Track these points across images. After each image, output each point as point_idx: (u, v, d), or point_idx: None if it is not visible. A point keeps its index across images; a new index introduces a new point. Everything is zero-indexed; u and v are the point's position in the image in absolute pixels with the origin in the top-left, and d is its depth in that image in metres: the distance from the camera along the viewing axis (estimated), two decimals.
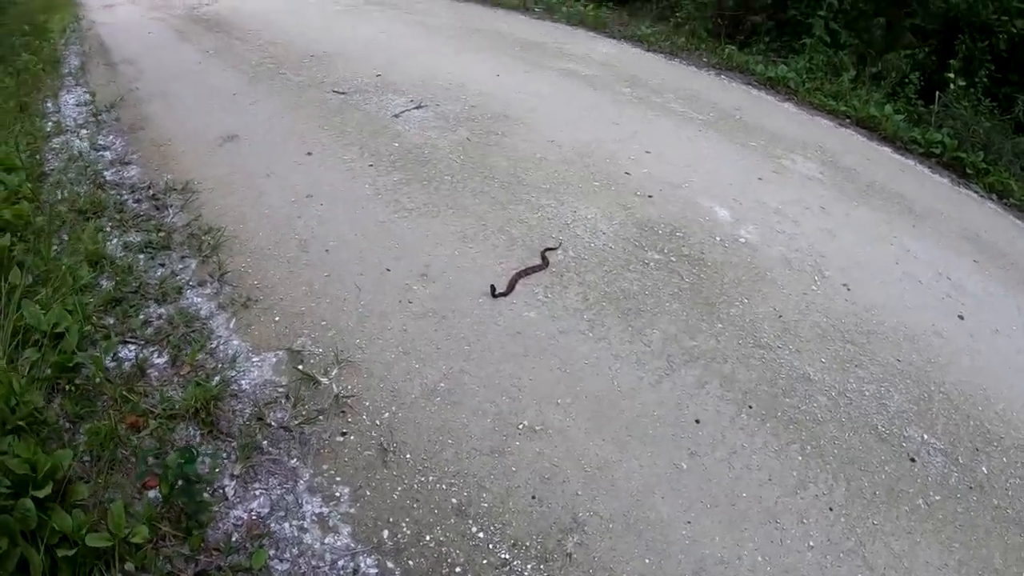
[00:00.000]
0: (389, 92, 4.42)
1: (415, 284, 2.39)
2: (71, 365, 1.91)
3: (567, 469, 1.69)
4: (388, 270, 2.48)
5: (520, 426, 1.81)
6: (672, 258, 2.65)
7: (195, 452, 1.52)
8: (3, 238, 2.45)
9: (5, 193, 2.82)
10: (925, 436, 1.99)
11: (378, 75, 4.79)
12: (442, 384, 1.94)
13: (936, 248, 3.17)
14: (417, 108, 4.10)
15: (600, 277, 2.49)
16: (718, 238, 2.83)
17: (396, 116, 3.99)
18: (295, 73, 4.98)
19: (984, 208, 3.88)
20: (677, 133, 3.93)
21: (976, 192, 4.07)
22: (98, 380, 1.88)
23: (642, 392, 1.97)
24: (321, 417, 1.85)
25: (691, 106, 4.43)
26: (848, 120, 4.76)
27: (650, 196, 3.12)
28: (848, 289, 2.63)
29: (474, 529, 1.53)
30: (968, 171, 4.19)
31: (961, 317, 2.63)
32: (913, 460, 1.88)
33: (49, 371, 1.85)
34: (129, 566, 1.39)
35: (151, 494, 1.57)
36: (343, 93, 4.43)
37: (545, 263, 2.51)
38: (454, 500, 1.60)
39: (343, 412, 1.86)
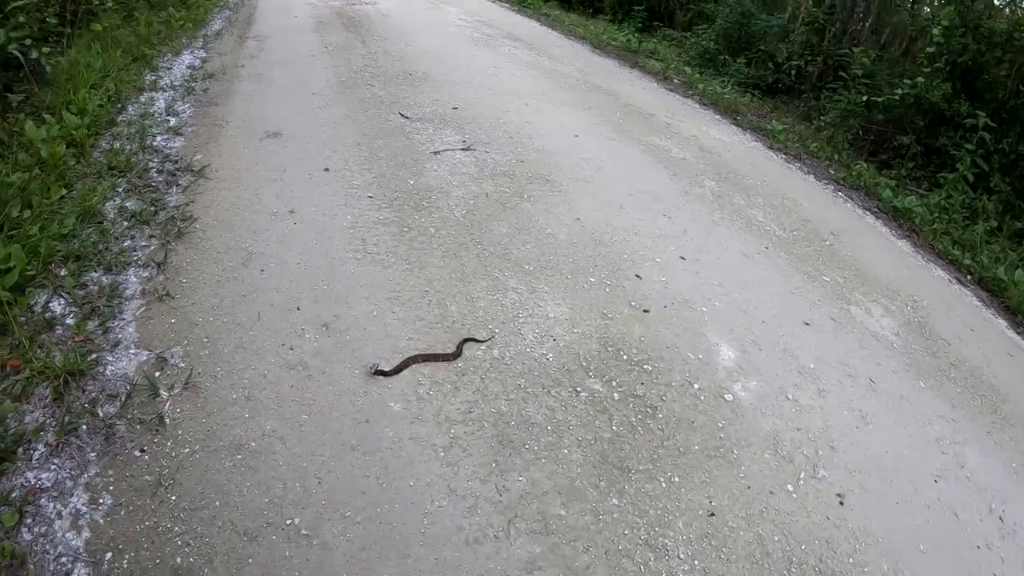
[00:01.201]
0: (450, 127, 4.80)
1: (310, 333, 2.59)
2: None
3: None
4: (298, 309, 2.71)
5: (287, 524, 1.85)
6: (615, 395, 2.44)
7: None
8: (24, 173, 3.11)
9: (57, 132, 3.56)
10: None
11: (455, 108, 5.22)
12: (253, 443, 2.09)
13: (1009, 474, 2.58)
14: (463, 150, 4.41)
15: (507, 392, 2.39)
16: (697, 386, 2.57)
17: (436, 153, 4.33)
18: (382, 87, 5.59)
19: None
20: (735, 245, 3.69)
21: None
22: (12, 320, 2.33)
23: (450, 548, 1.85)
24: (139, 427, 2.11)
25: (775, 217, 4.18)
26: (968, 277, 4.25)
27: (646, 311, 2.97)
28: (841, 503, 2.22)
29: None
30: None
31: None
32: None
33: None
34: None
35: None
36: (407, 118, 4.90)
37: (457, 354, 2.52)
38: (179, 559, 1.74)
39: (157, 431, 2.10)
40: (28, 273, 2.63)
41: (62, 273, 2.74)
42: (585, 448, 2.22)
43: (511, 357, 2.59)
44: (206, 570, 1.72)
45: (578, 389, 2.47)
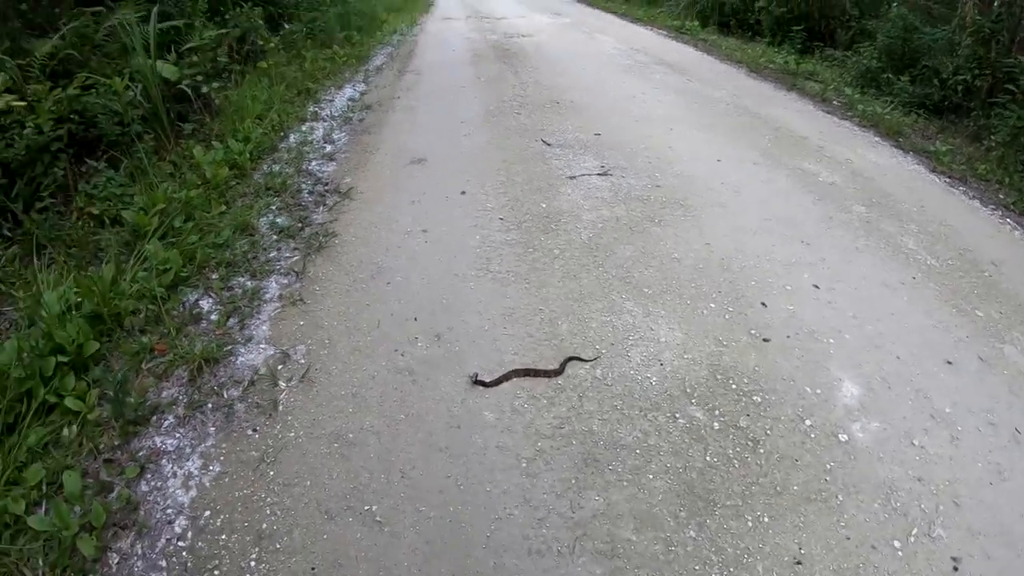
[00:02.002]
0: (590, 153, 4.98)
1: (422, 341, 2.83)
2: (154, 295, 2.98)
3: None
4: (415, 319, 2.98)
5: (365, 509, 2.04)
6: (715, 424, 2.40)
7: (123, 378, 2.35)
8: (194, 190, 3.82)
9: (223, 156, 4.31)
10: None
11: (597, 135, 5.42)
12: (351, 435, 2.33)
13: None
14: (600, 175, 4.55)
15: (602, 411, 2.45)
16: (808, 423, 2.42)
17: (572, 178, 4.51)
18: (528, 116, 5.98)
19: None
20: (877, 274, 3.45)
21: None
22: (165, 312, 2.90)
23: (511, 555, 1.90)
24: (255, 410, 2.46)
25: (928, 245, 3.82)
26: None
27: (766, 340, 2.86)
28: (955, 569, 1.92)
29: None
30: None
31: None
32: None
33: (145, 294, 2.96)
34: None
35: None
36: (548, 144, 5.18)
37: (559, 371, 2.60)
38: (264, 525, 1.99)
39: (270, 415, 2.43)
40: (183, 274, 3.23)
41: (213, 276, 3.31)
42: (672, 476, 2.19)
43: (613, 378, 2.62)
44: (285, 538, 1.96)
45: (676, 415, 2.44)
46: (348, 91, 6.85)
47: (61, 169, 3.74)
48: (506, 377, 2.57)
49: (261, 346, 2.83)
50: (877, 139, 5.88)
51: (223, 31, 5.61)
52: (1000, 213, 4.52)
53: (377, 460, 2.23)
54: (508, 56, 8.72)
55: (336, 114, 5.98)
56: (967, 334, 3.04)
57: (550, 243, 3.63)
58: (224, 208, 3.89)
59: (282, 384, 2.60)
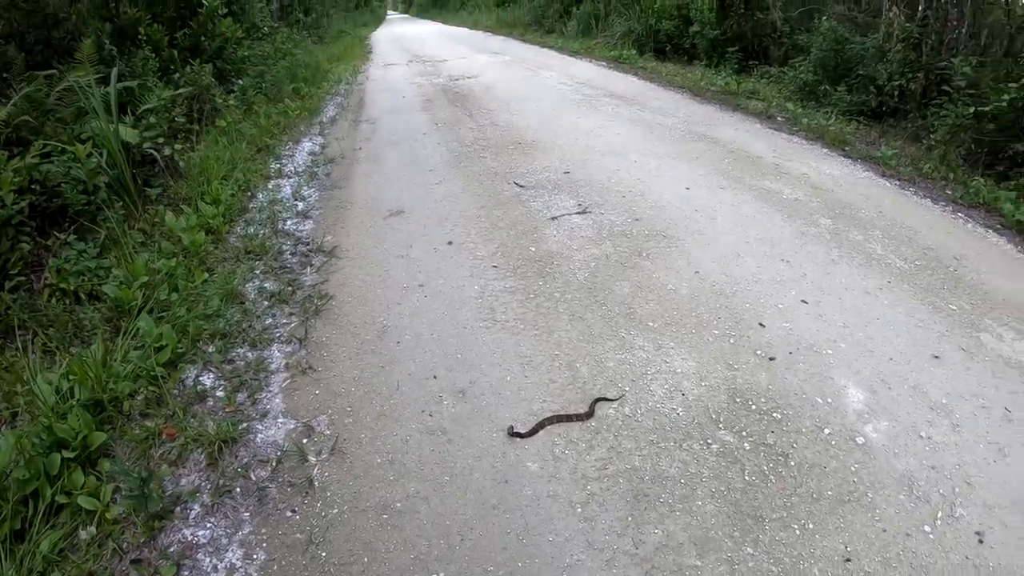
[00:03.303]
0: (564, 192, 5.12)
1: (448, 399, 2.84)
2: (152, 375, 2.87)
3: None
4: (435, 377, 2.98)
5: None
6: (746, 445, 2.53)
7: (145, 475, 2.26)
8: (172, 260, 3.73)
9: (195, 221, 4.23)
10: None
11: (566, 172, 5.59)
12: (398, 503, 2.30)
13: None
14: (579, 214, 4.69)
15: (640, 447, 2.52)
16: (827, 431, 2.60)
17: (553, 219, 4.63)
18: (494, 158, 6.11)
19: None
20: (856, 282, 3.74)
21: None
22: (167, 392, 2.79)
23: None
24: (289, 489, 2.40)
25: (896, 249, 4.18)
26: None
27: (772, 359, 3.03)
28: (980, 542, 2.14)
29: None
30: None
31: None
32: None
33: (140, 374, 2.84)
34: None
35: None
36: (522, 186, 5.30)
37: (590, 414, 2.67)
38: None
39: (307, 493, 2.37)
40: (178, 350, 3.13)
41: (209, 350, 3.22)
42: (718, 499, 2.29)
43: (642, 414, 2.71)
44: None
45: (709, 441, 2.56)
46: (307, 145, 6.82)
47: (27, 244, 3.60)
48: (540, 426, 2.62)
49: (279, 420, 2.77)
50: (826, 150, 6.35)
51: (178, 91, 5.52)
52: (951, 208, 5.01)
53: (432, 526, 2.22)
54: (459, 99, 8.89)
55: (300, 169, 5.95)
56: (946, 328, 3.33)
57: (549, 287, 3.71)
58: (207, 276, 3.80)
59: (312, 459, 2.55)
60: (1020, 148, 5.38)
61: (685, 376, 2.94)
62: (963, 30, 6.81)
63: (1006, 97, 5.49)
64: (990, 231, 4.64)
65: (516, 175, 5.60)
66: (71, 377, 2.78)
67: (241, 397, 2.92)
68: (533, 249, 4.19)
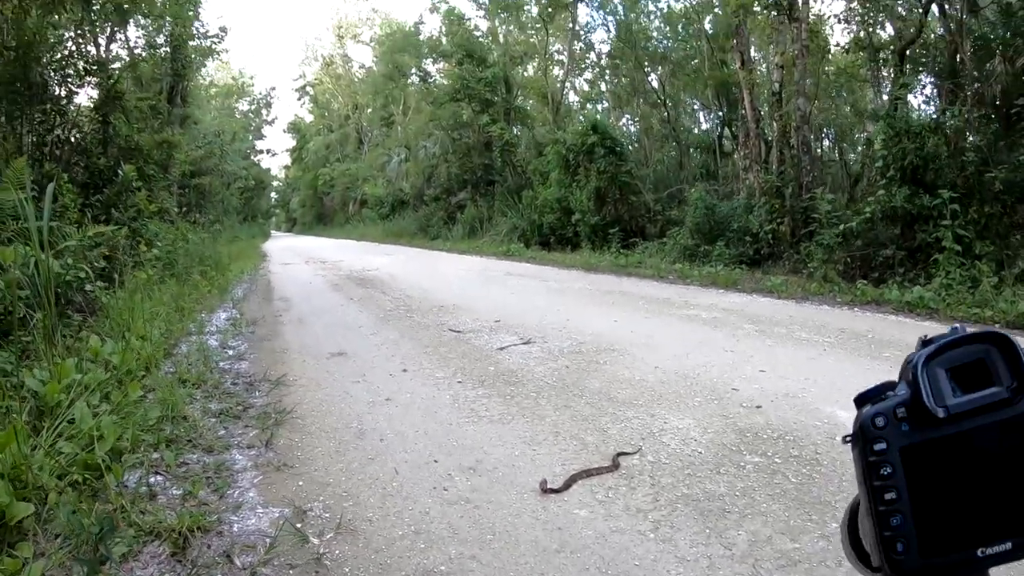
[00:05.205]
0: (502, 332, 5.17)
1: (459, 475, 2.51)
2: (93, 464, 2.30)
3: None
4: (436, 461, 2.66)
5: None
6: (776, 460, 2.59)
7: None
8: (103, 372, 3.20)
9: (123, 347, 3.72)
10: None
11: (497, 321, 5.68)
12: (442, 567, 1.89)
13: None
14: (524, 344, 4.71)
15: (680, 480, 2.45)
16: (839, 438, 2.68)
17: (501, 349, 4.60)
18: (421, 316, 6.11)
19: None
20: (798, 354, 4.19)
21: None
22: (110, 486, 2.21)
23: None
24: (291, 571, 1.90)
25: (817, 333, 4.78)
26: (998, 324, 5.01)
27: (758, 407, 3.20)
28: None
29: None
30: None
31: None
32: None
33: (74, 466, 2.25)
34: None
35: None
36: (458, 332, 5.28)
37: (616, 466, 2.54)
38: None
39: (317, 572, 1.89)
40: (120, 446, 2.57)
41: (155, 455, 2.68)
42: (780, 498, 2.30)
43: (666, 458, 2.66)
44: None
45: (741, 464, 2.59)
46: (222, 314, 6.44)
47: None
48: (572, 480, 2.43)
49: (259, 510, 2.29)
50: (722, 290, 7.27)
51: (101, 231, 5.18)
52: (847, 307, 6.01)
53: None
54: (368, 283, 9.01)
55: (223, 328, 5.55)
56: (889, 366, 3.64)
57: (521, 391, 3.59)
58: (141, 393, 3.26)
59: (315, 540, 2.08)
60: (888, 252, 6.46)
61: (690, 429, 2.95)
62: (816, 173, 8.32)
63: (867, 210, 6.84)
64: (887, 315, 5.52)
65: (448, 325, 5.60)
66: None
67: (204, 493, 2.41)
68: (492, 368, 4.09)
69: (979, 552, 0.35)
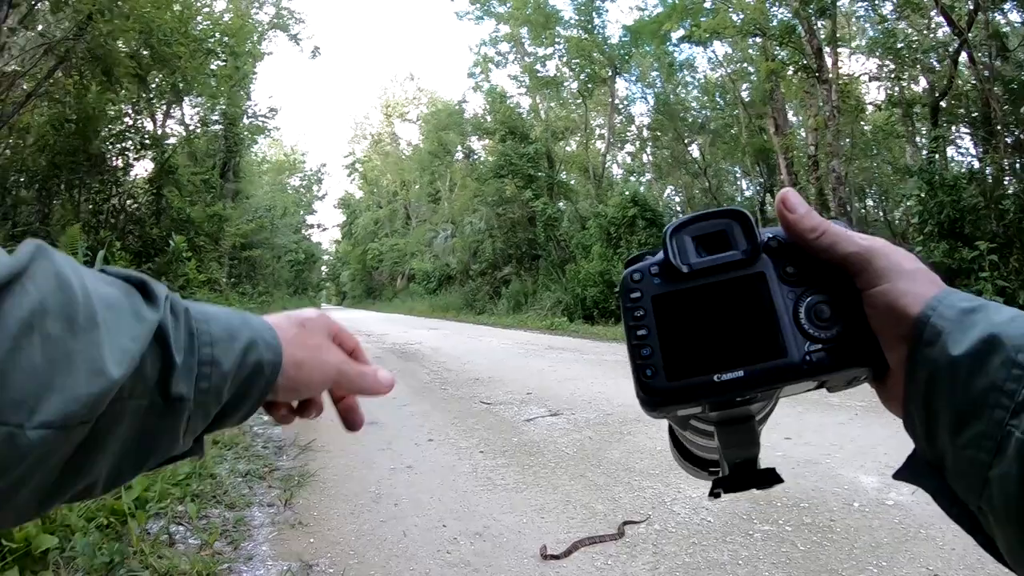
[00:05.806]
0: (532, 404, 5.22)
1: (464, 540, 2.56)
2: (120, 509, 2.48)
3: None
4: (444, 526, 2.72)
5: None
6: (787, 528, 2.58)
7: None
8: None
9: None
10: None
11: (528, 393, 5.74)
12: None
13: None
14: (552, 415, 4.75)
15: (683, 548, 2.43)
16: (856, 504, 2.75)
17: (528, 421, 4.65)
18: (455, 389, 6.22)
19: None
20: (826, 420, 4.15)
21: None
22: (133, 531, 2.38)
23: None
24: None
25: (850, 398, 4.59)
26: None
27: None
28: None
29: None
30: None
31: None
32: None
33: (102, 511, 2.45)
34: None
35: None
36: (488, 403, 5.36)
37: (620, 534, 2.54)
38: None
39: None
40: (146, 496, 2.73)
41: (180, 508, 2.83)
42: (785, 566, 2.29)
43: (673, 527, 2.64)
44: None
45: (750, 533, 2.56)
46: None
47: None
48: (573, 547, 2.44)
49: (268, 563, 2.41)
50: None
51: None
52: None
53: None
54: (408, 356, 9.22)
55: None
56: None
57: (540, 461, 3.63)
58: None
59: None
60: None
61: (702, 498, 2.92)
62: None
63: None
64: None
65: (481, 397, 5.69)
66: None
67: (220, 544, 2.56)
68: (515, 439, 4.14)
69: (715, 378, 0.43)
